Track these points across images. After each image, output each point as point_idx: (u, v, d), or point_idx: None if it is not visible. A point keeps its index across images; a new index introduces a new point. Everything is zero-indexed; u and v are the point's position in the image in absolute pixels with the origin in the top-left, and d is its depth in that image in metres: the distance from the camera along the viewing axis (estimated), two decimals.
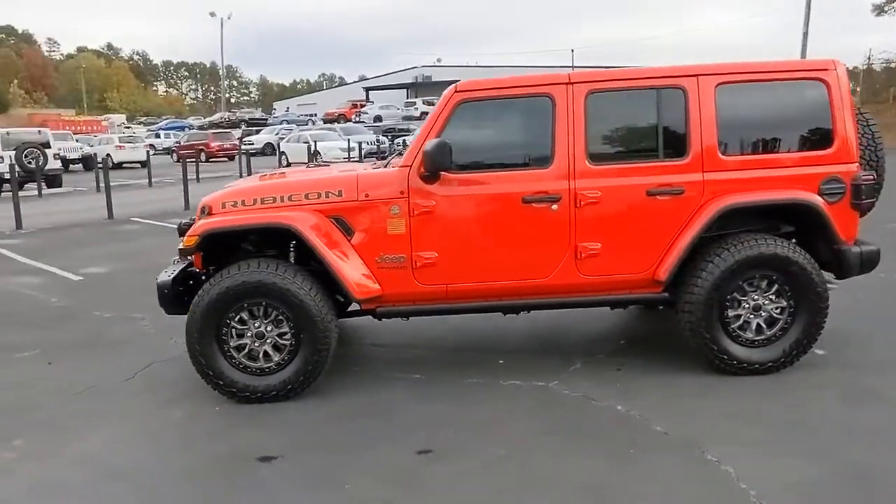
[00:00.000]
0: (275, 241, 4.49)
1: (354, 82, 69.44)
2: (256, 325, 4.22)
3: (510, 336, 5.36)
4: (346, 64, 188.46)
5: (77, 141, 33.02)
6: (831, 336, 4.90)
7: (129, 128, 62.52)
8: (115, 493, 3.29)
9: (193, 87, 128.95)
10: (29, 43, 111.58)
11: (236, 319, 4.19)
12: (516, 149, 4.47)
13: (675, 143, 4.29)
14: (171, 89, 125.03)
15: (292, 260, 4.44)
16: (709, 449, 3.43)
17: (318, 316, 4.15)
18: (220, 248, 4.47)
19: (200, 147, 34.02)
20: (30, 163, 19.14)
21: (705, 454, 3.39)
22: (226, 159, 31.89)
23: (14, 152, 18.54)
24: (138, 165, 27.69)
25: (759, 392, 4.10)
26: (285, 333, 4.21)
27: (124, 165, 29.82)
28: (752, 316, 4.33)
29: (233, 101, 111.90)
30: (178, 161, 30.68)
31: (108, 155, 32.54)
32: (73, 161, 29.18)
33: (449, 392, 4.33)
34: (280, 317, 4.19)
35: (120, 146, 31.98)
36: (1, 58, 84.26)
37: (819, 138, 4.33)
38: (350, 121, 40.16)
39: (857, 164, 4.35)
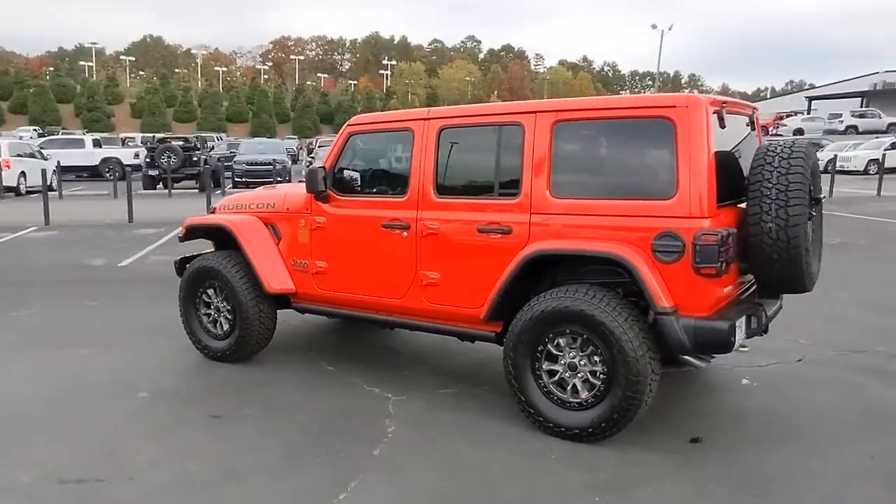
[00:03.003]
0: None
1: (821, 87, 61.98)
2: (216, 301, 5.52)
3: (471, 353, 5.51)
4: (820, 69, 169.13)
5: None
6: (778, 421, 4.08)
7: None
8: None
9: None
10: (521, 59, 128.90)
11: (205, 294, 5.55)
12: (387, 177, 4.85)
13: (510, 182, 4.15)
14: None
15: None
16: (354, 487, 3.54)
17: (244, 300, 5.24)
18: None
19: None
20: None
21: (349, 485, 3.50)
22: None
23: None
24: None
25: (526, 458, 3.76)
26: (231, 310, 5.42)
27: None
28: (568, 374, 3.93)
29: None
30: None
31: None
32: None
33: (321, 384, 4.96)
34: (228, 296, 5.42)
35: None
36: (490, 73, 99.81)
37: (659, 186, 3.68)
38: (769, 133, 37.12)
39: (707, 219, 3.55)
